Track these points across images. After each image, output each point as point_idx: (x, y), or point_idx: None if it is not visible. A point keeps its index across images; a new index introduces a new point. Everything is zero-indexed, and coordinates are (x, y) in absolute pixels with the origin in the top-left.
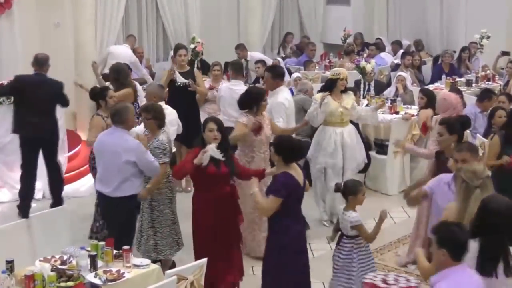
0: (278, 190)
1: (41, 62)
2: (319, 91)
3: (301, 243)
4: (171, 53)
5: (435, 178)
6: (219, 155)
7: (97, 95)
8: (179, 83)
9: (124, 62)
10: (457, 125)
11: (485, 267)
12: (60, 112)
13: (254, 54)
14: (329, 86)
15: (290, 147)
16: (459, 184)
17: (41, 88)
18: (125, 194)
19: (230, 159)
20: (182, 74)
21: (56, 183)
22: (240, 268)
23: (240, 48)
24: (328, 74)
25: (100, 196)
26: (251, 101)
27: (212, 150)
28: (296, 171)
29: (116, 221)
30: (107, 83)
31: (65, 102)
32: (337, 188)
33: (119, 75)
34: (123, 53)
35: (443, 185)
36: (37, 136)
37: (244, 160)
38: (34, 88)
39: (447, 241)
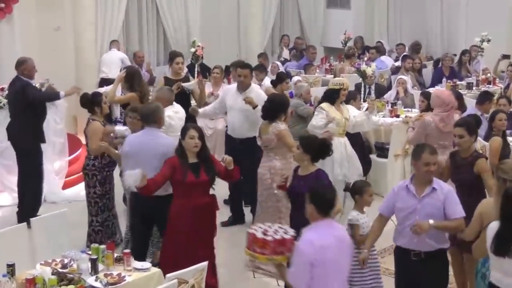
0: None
1: (16, 65)
2: (321, 102)
3: None
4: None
5: (385, 200)
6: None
7: (89, 102)
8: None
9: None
10: (475, 125)
11: (499, 249)
12: (61, 116)
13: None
14: (332, 97)
15: (318, 146)
16: (496, 180)
17: (10, 90)
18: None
19: (211, 167)
20: (178, 81)
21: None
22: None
23: (263, 57)
24: (330, 79)
25: (149, 199)
26: (279, 109)
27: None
28: None
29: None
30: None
31: (31, 96)
32: (346, 187)
33: (133, 80)
34: (112, 55)
35: (400, 191)
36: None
37: (284, 161)
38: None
39: (315, 198)
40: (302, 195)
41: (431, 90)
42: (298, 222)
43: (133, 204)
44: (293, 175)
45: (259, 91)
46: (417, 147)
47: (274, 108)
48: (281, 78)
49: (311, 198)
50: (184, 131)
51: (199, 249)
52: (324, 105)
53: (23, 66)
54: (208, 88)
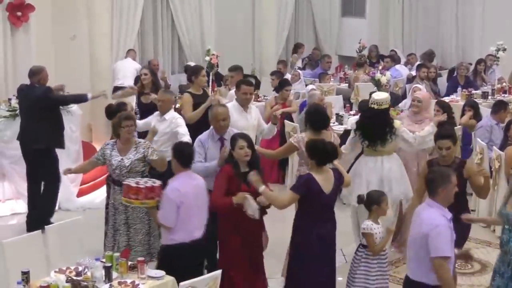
0: (297, 187)
1: (30, 74)
2: (384, 125)
3: (320, 247)
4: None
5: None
6: (256, 211)
7: (115, 112)
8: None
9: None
10: (455, 134)
11: None
12: (76, 124)
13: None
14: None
15: (324, 151)
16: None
17: (29, 97)
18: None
19: (262, 175)
20: (200, 96)
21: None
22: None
23: (282, 64)
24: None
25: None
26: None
27: (251, 206)
28: (326, 177)
29: None
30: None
31: (59, 99)
32: (360, 200)
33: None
34: (126, 64)
35: None
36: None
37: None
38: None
39: (177, 153)
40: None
41: (446, 99)
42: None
43: None
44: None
45: (255, 108)
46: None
47: (315, 117)
48: (281, 85)
49: (174, 153)
50: (233, 142)
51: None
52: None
53: (40, 76)
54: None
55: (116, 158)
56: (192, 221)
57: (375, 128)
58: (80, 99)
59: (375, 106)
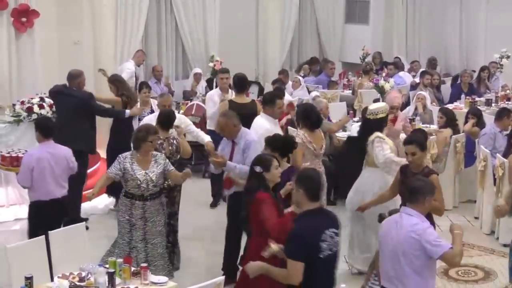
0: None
1: (70, 77)
2: (366, 132)
3: None
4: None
5: None
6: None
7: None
8: None
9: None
10: (425, 141)
11: None
12: None
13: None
14: (381, 125)
15: (282, 143)
16: None
17: (74, 99)
18: None
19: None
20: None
21: None
22: None
23: (284, 74)
24: (369, 105)
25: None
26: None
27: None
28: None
29: None
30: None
31: (97, 109)
32: (382, 219)
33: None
34: (124, 66)
35: None
36: None
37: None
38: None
39: (37, 125)
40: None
41: (449, 106)
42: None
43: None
44: None
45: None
46: None
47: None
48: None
49: (36, 127)
50: (268, 162)
51: None
52: (380, 134)
53: (79, 79)
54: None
55: (139, 172)
56: (48, 182)
57: (364, 139)
58: (117, 114)
59: (371, 117)
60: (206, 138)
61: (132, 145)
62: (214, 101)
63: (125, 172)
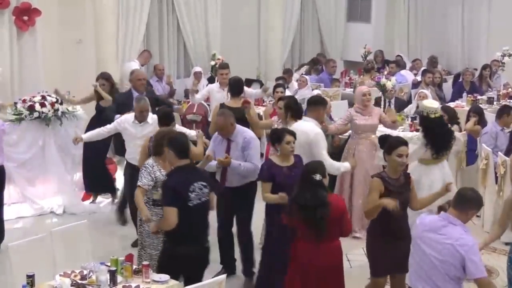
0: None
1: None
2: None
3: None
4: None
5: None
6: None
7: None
8: None
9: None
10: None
11: None
12: (81, 129)
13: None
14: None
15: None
16: None
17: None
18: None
19: None
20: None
21: None
22: None
23: (288, 73)
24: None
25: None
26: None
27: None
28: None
29: None
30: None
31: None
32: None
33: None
34: (128, 65)
35: None
36: None
37: None
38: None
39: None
40: None
41: (451, 104)
42: None
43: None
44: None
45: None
46: None
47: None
48: (274, 88)
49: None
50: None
51: None
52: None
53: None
54: None
55: None
56: None
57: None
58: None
59: (432, 115)
60: (193, 132)
61: (152, 151)
62: (208, 91)
63: (157, 181)
